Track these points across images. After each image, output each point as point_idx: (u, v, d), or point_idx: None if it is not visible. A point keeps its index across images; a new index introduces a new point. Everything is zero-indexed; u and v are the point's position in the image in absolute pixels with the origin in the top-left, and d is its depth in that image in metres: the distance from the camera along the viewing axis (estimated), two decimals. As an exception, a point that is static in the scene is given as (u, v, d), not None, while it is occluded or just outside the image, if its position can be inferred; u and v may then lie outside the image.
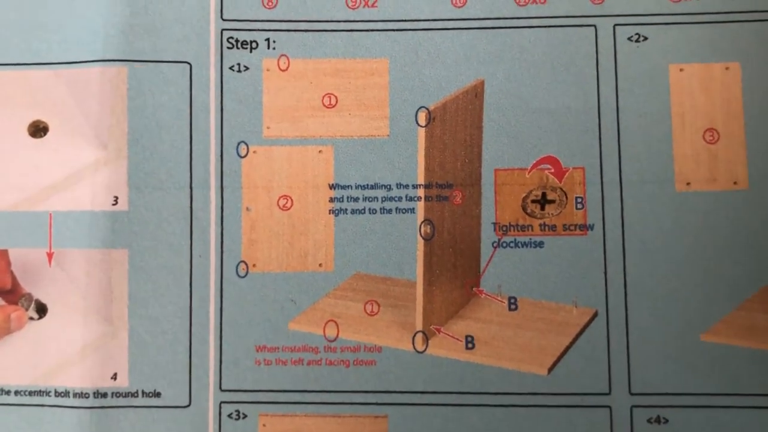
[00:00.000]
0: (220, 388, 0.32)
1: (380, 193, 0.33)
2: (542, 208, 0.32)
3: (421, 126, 0.31)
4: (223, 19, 0.34)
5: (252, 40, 0.33)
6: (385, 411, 0.32)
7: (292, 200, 0.33)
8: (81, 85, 0.33)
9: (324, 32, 0.33)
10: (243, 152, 0.33)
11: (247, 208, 0.33)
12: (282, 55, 0.33)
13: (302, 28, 0.33)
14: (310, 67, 0.33)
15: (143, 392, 0.32)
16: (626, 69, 0.33)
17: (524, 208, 0.33)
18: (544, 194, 0.33)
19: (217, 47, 0.33)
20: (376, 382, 0.32)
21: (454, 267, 0.33)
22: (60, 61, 0.33)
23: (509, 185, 0.33)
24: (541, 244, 0.32)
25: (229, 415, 0.32)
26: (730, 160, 0.32)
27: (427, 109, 0.32)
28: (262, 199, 0.33)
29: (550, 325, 0.32)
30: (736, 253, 0.32)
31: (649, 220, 0.32)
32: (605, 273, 0.32)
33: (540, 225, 0.32)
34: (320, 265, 0.33)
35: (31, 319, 0.33)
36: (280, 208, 0.33)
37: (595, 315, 0.32)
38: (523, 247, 0.32)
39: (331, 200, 0.33)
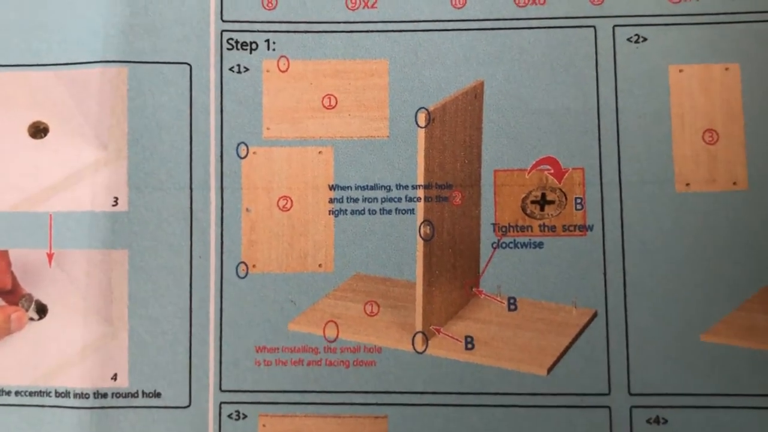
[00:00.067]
0: (220, 388, 0.32)
1: (380, 193, 0.33)
2: (542, 209, 0.33)
3: (421, 127, 0.31)
4: (223, 20, 0.34)
5: (252, 41, 0.34)
6: (385, 411, 0.32)
7: (291, 201, 0.33)
8: (81, 85, 0.33)
9: (324, 33, 0.33)
10: (243, 153, 0.33)
11: (247, 209, 0.33)
12: (282, 56, 0.33)
13: (302, 29, 0.34)
14: (310, 68, 0.33)
15: (143, 392, 0.32)
16: (626, 70, 0.33)
17: (524, 209, 0.33)
18: (543, 195, 0.33)
19: (217, 48, 0.33)
20: (375, 383, 0.32)
21: (453, 268, 0.33)
22: (60, 62, 0.33)
23: (509, 186, 0.33)
24: (540, 245, 0.32)
25: (229, 416, 0.32)
26: (729, 160, 0.32)
27: (427, 110, 0.32)
28: (262, 199, 0.33)
29: (550, 326, 0.32)
30: (735, 253, 0.32)
31: (649, 221, 0.32)
32: (605, 273, 0.32)
33: (539, 226, 0.32)
34: (320, 265, 0.33)
35: (32, 319, 0.33)
36: (280, 208, 0.33)
37: (595, 315, 0.32)
38: (522, 247, 0.32)
39: (331, 201, 0.33)
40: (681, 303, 0.32)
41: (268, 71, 0.33)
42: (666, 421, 0.31)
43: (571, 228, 0.32)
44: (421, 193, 0.32)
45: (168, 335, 0.32)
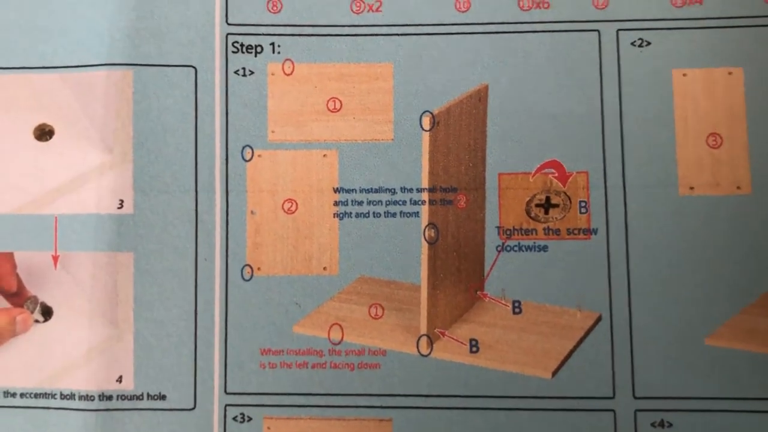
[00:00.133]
0: (225, 391, 0.32)
1: (384, 196, 0.33)
2: (546, 212, 0.33)
3: (426, 130, 0.32)
4: (228, 24, 0.34)
5: (257, 44, 0.34)
6: (390, 414, 0.32)
7: (296, 204, 0.33)
8: (86, 88, 0.33)
9: (329, 37, 0.34)
10: (248, 156, 0.33)
11: (252, 212, 0.33)
12: (287, 59, 0.34)
13: (307, 33, 0.34)
14: (315, 71, 0.34)
15: (148, 395, 0.32)
16: (629, 73, 0.33)
17: (528, 212, 0.33)
18: (548, 198, 0.33)
19: (222, 51, 0.34)
20: (380, 386, 0.32)
21: (458, 271, 0.33)
22: (66, 65, 0.34)
23: (513, 189, 0.33)
24: (545, 248, 0.32)
25: (234, 418, 0.32)
26: (733, 164, 0.32)
27: (432, 113, 0.32)
28: (267, 202, 0.33)
29: (554, 329, 0.32)
30: (739, 257, 0.32)
31: (653, 225, 0.32)
32: (609, 277, 0.32)
33: (544, 229, 0.32)
34: (325, 268, 0.33)
35: (37, 321, 0.33)
36: (284, 211, 0.33)
37: (599, 319, 0.32)
38: (527, 251, 0.32)
39: (336, 204, 0.33)
40: (685, 306, 0.32)
41: (273, 74, 0.33)
42: (671, 425, 0.31)
43: (576, 231, 0.32)
44: (425, 196, 0.32)
45: (173, 338, 0.32)
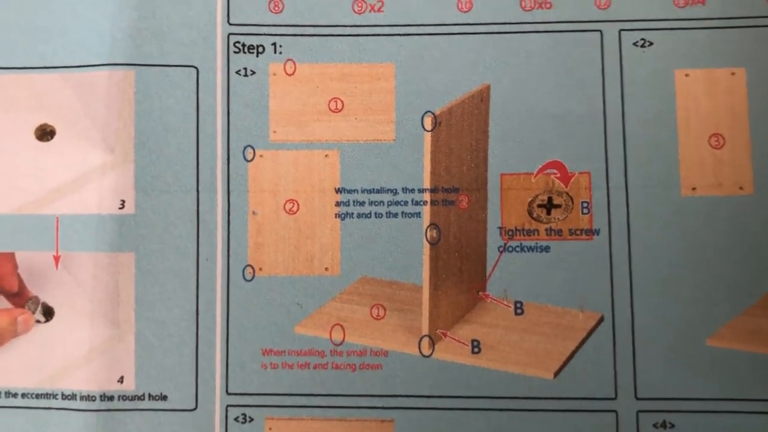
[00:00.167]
0: (227, 391, 0.32)
1: (386, 197, 0.33)
2: (548, 213, 0.33)
3: (427, 130, 0.31)
4: (230, 24, 0.34)
5: (259, 44, 0.34)
6: (392, 415, 0.32)
7: (298, 204, 0.33)
8: (88, 88, 0.33)
9: (330, 37, 0.34)
10: (249, 156, 0.33)
11: (254, 212, 0.33)
12: (288, 59, 0.34)
13: (309, 33, 0.34)
14: (317, 71, 0.33)
15: (150, 395, 0.32)
16: (632, 74, 0.33)
17: (530, 213, 0.33)
18: (550, 199, 0.33)
19: (223, 51, 0.34)
20: (382, 386, 0.32)
21: (460, 271, 0.33)
22: (67, 65, 0.33)
23: (515, 190, 0.33)
24: (547, 249, 0.32)
25: (236, 419, 0.32)
26: (735, 165, 0.32)
27: (433, 113, 0.32)
28: (269, 202, 0.33)
29: (556, 330, 0.32)
30: (741, 257, 0.32)
31: (655, 225, 0.32)
32: (611, 277, 0.32)
33: (546, 229, 0.32)
34: (326, 269, 0.33)
35: (38, 322, 0.33)
36: (286, 211, 0.33)
37: (601, 319, 0.32)
38: (529, 251, 0.32)
39: (338, 204, 0.33)
40: (687, 307, 0.32)
41: (274, 74, 0.33)
42: (673, 426, 0.31)
43: (578, 232, 0.32)
44: (427, 196, 0.32)
45: (174, 338, 0.32)
